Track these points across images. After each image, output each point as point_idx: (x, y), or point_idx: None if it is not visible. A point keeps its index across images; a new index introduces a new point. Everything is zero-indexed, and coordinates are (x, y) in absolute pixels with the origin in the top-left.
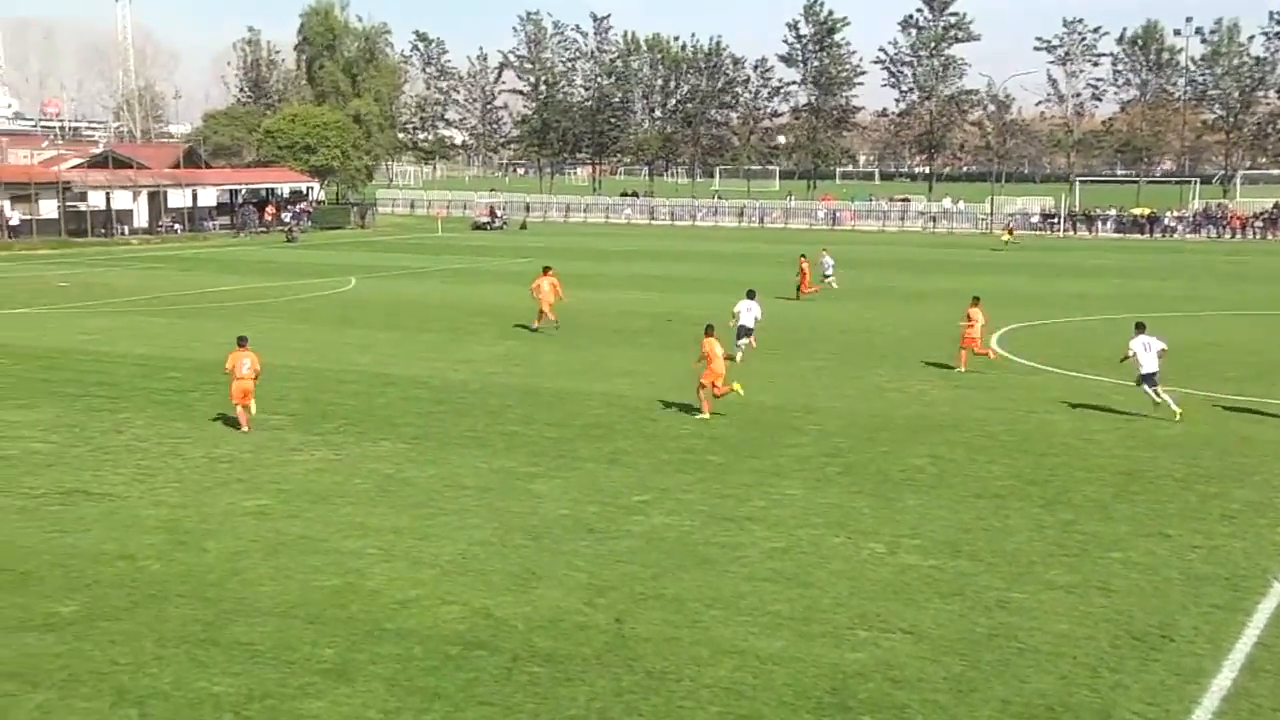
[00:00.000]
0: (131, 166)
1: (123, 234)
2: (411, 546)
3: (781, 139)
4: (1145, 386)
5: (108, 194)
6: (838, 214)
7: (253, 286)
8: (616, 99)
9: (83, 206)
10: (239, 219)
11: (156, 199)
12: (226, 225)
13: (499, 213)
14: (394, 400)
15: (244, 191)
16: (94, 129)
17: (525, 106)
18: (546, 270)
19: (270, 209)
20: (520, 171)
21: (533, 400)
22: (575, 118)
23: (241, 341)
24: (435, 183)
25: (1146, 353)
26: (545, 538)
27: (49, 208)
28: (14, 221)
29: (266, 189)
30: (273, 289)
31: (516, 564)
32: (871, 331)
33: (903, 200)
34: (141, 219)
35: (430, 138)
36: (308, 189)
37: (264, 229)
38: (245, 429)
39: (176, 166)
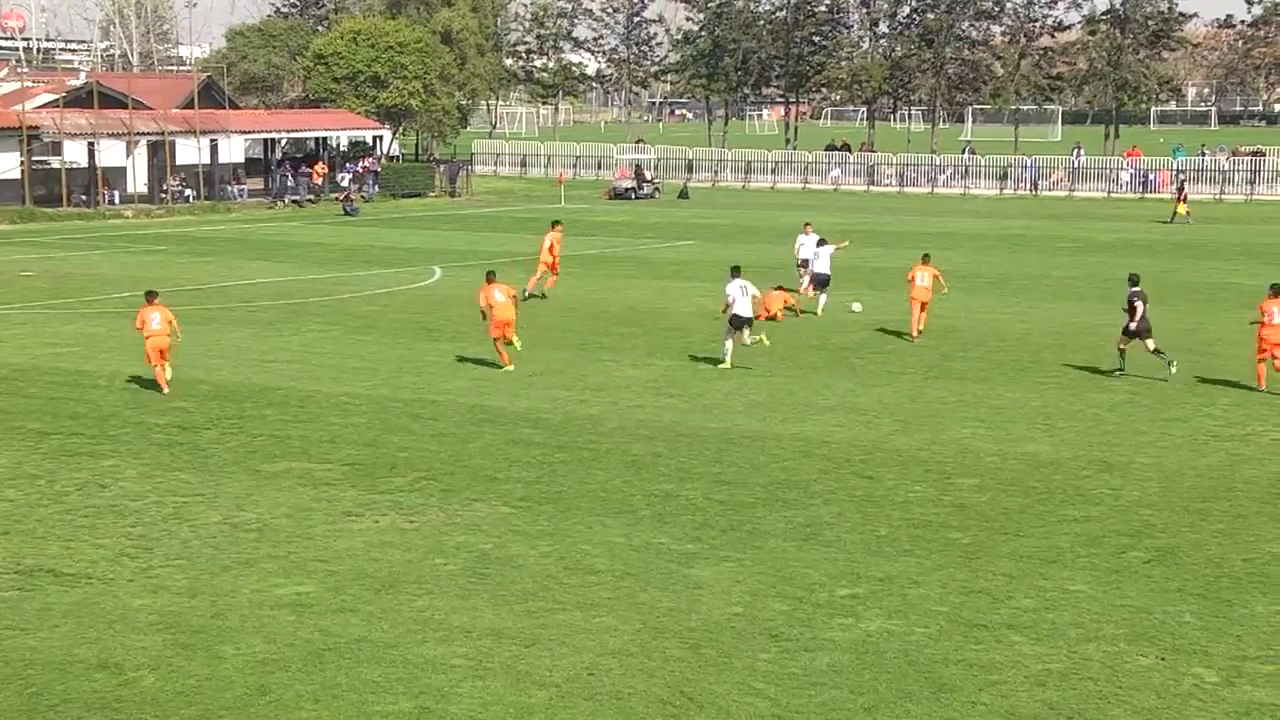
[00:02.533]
0: (125, 106)
1: (111, 202)
2: (515, 657)
3: (1067, 65)
4: None
5: (91, 145)
6: (1151, 177)
7: (295, 279)
8: (822, 7)
9: (55, 163)
10: (276, 182)
11: (159, 153)
12: (259, 191)
13: (648, 174)
14: (494, 445)
15: (284, 142)
16: (72, 52)
17: (689, 19)
18: (555, 225)
19: (319, 168)
20: (680, 115)
21: (694, 447)
22: (761, 36)
23: (150, 296)
24: (557, 131)
25: None
26: (708, 647)
27: (7, 164)
28: None
29: (316, 139)
30: (323, 284)
31: (666, 685)
32: (1208, 347)
33: (1253, 153)
34: (138, 181)
35: (551, 65)
36: (374, 139)
37: (311, 196)
38: (165, 390)
39: (189, 107)
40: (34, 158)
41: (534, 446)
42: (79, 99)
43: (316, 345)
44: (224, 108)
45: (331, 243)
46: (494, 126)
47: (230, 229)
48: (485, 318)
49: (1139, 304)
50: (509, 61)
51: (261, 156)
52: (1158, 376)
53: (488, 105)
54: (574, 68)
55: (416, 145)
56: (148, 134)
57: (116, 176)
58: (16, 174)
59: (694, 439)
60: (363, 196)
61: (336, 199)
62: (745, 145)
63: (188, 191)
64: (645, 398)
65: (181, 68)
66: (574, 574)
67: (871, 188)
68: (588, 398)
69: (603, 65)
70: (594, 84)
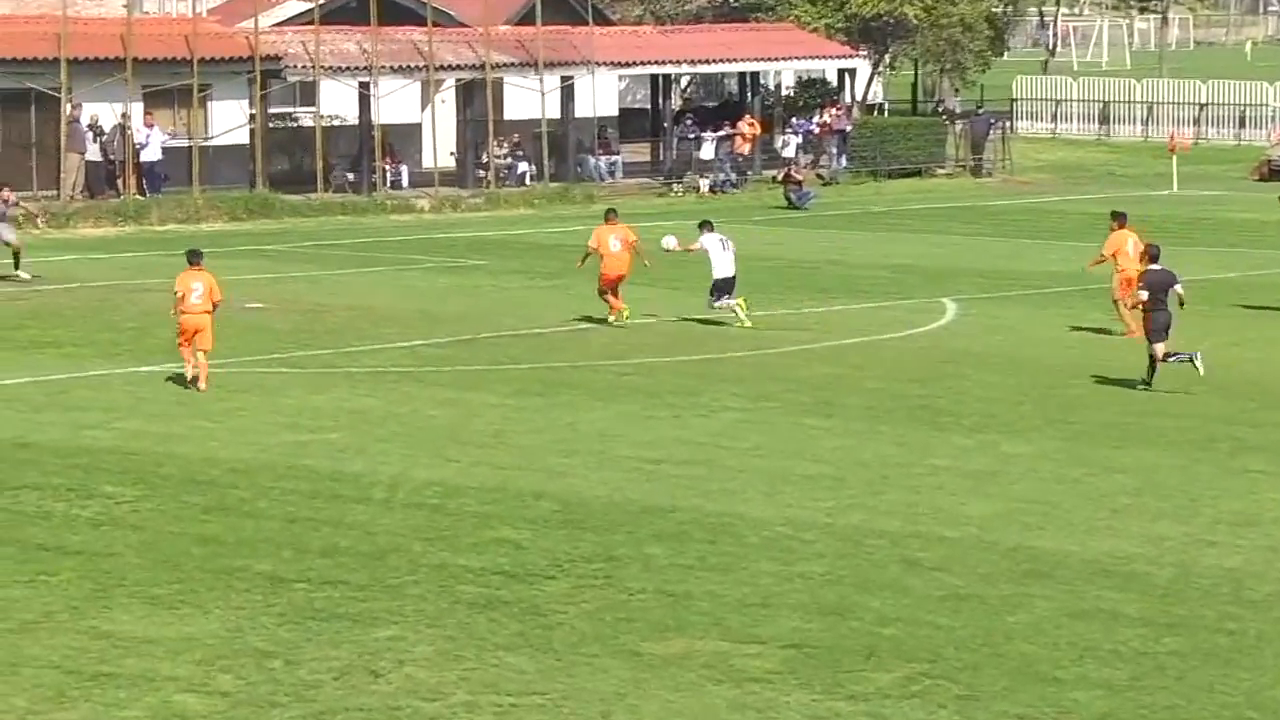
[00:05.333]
0: (422, 22)
1: (396, 184)
2: None
3: None
4: None
5: (365, 89)
6: None
7: (696, 317)
8: None
9: (305, 118)
10: (672, 150)
11: (475, 101)
12: (640, 165)
13: None
14: (1050, 619)
15: (684, 84)
16: None
17: None
18: (610, 217)
19: (749, 126)
20: None
21: None
22: None
23: (194, 258)
24: (1165, 58)
25: None
26: None
27: (228, 118)
28: (151, 153)
29: (741, 76)
30: (744, 331)
31: None
32: None
33: None
34: (440, 149)
35: None
36: (842, 77)
37: (738, 174)
38: (201, 386)
39: (526, 22)
40: (271, 110)
41: (1125, 624)
42: (343, 9)
43: (736, 433)
44: (585, 22)
45: (765, 255)
46: (1052, 52)
47: (587, 228)
48: (583, 263)
49: None
50: None
51: (649, 105)
52: None
53: (1040, 15)
54: None
55: (915, 87)
56: (459, 68)
57: (406, 141)
58: (244, 136)
59: None
60: (820, 176)
61: (776, 180)
62: None
63: (522, 167)
64: None
65: None
66: None
67: None
68: (1218, 537)
69: None
70: None
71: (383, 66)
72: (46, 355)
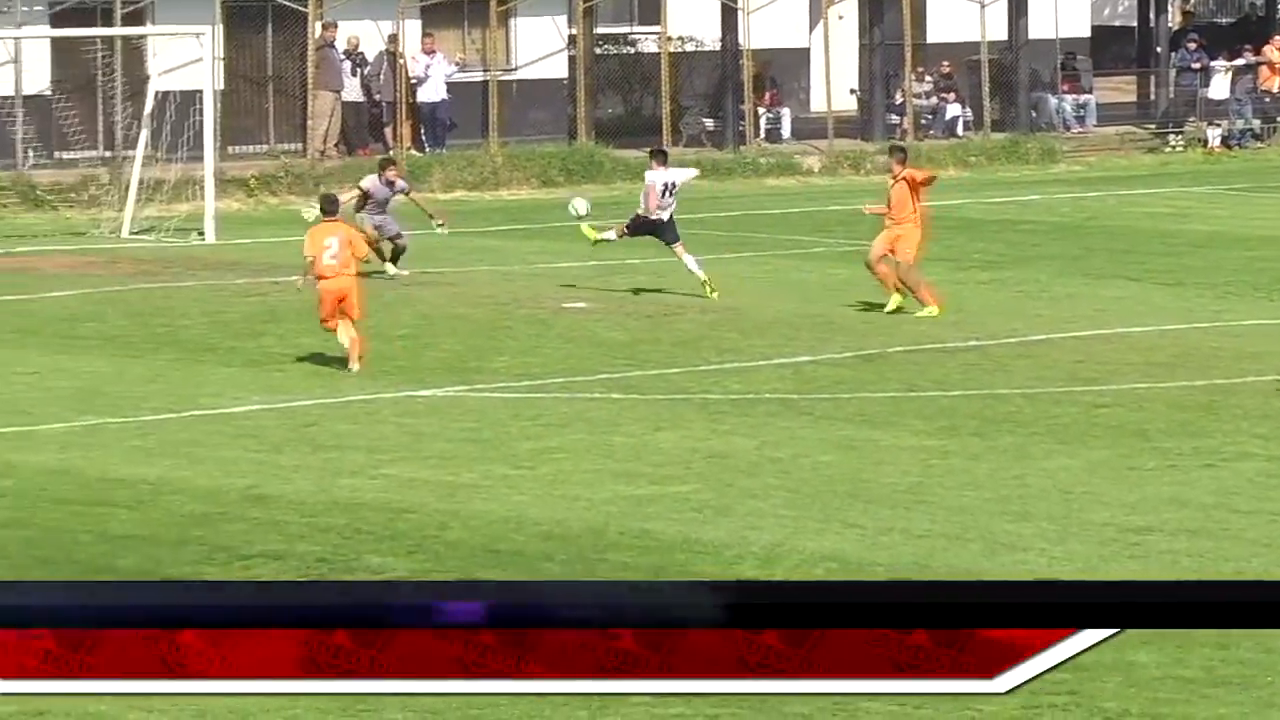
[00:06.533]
0: None
1: (776, 133)
2: None
3: None
4: None
5: None
6: None
7: None
8: None
9: (649, 41)
10: (1170, 82)
11: (887, 15)
12: (1125, 108)
13: None
14: None
15: None
16: None
17: None
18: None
19: None
20: None
21: None
22: None
23: (329, 206)
24: None
25: None
26: None
27: (537, 41)
28: (431, 91)
29: None
30: None
31: None
32: None
33: None
34: (835, 86)
35: None
36: None
37: (1264, 120)
38: (354, 368)
39: None
40: (598, 31)
41: None
42: None
43: (1258, 491)
44: None
45: None
46: None
47: (1047, 198)
48: None
49: None
50: None
51: (1133, 23)
52: None
53: None
54: None
55: None
56: None
57: (788, 74)
58: (560, 67)
59: None
60: None
61: None
62: None
63: (952, 111)
64: None
65: None
66: None
67: None
68: None
69: None
70: None
71: None
72: (289, 373)
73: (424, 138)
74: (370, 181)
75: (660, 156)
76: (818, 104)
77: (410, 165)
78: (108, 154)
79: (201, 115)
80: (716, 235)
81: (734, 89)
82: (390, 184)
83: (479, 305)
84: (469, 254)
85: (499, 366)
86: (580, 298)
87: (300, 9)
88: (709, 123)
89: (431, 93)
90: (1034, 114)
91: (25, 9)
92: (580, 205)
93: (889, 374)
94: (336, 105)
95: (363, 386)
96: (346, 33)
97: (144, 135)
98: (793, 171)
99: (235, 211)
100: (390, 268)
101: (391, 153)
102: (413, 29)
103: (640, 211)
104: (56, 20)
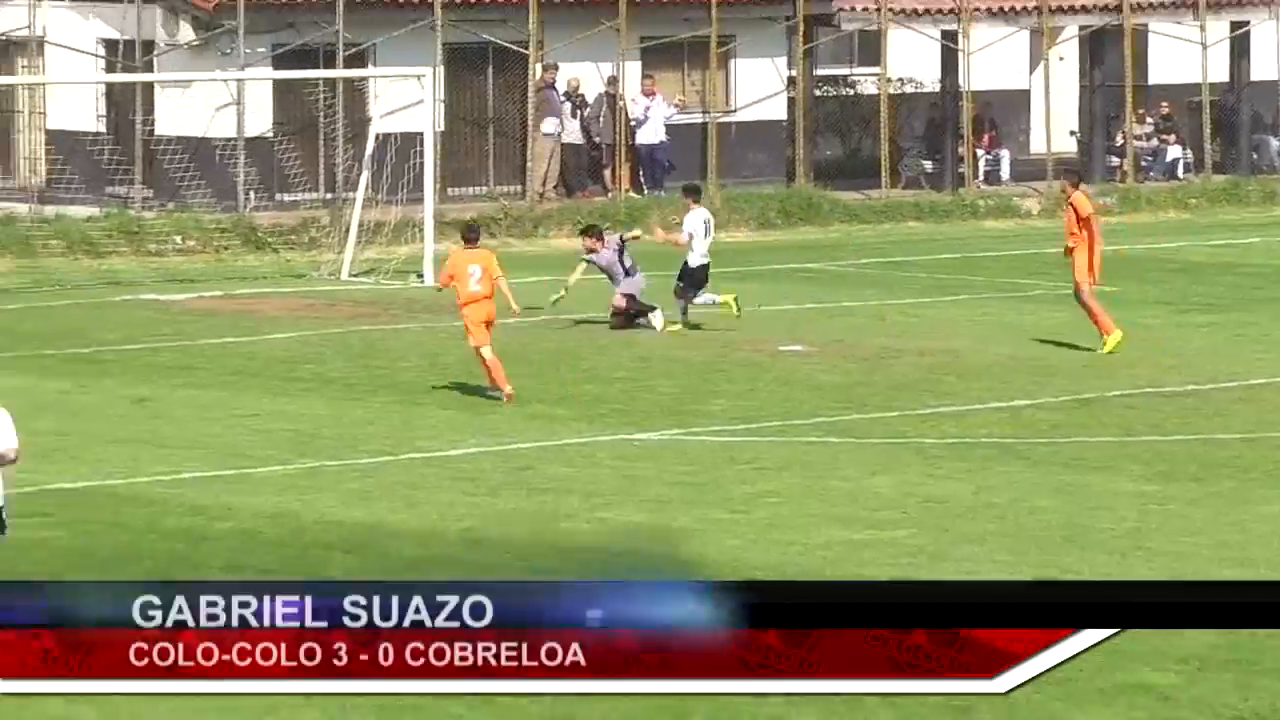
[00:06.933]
0: None
1: (995, 174)
2: None
3: None
4: None
5: (953, 40)
6: None
7: None
8: None
9: (868, 83)
10: None
11: (1108, 56)
12: None
13: None
14: None
15: None
16: None
17: None
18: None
19: None
20: None
21: None
22: None
23: (471, 234)
24: None
25: None
26: None
27: (757, 82)
28: (651, 132)
29: None
30: None
31: None
32: None
33: None
34: (1055, 128)
35: None
36: None
37: None
38: (506, 392)
39: None
40: (818, 72)
41: None
42: None
43: None
44: None
45: None
46: None
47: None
48: None
49: None
50: None
51: None
52: None
53: None
54: None
55: None
56: (1084, 10)
57: (1008, 115)
58: (779, 109)
59: None
60: None
61: None
62: None
63: (1173, 153)
64: None
65: None
66: None
67: None
68: None
69: None
70: None
71: (976, 9)
72: (506, 415)
73: (642, 179)
74: (602, 259)
75: (696, 192)
76: (1037, 145)
77: (628, 207)
78: (328, 196)
79: (421, 157)
80: (934, 278)
81: (953, 130)
82: (617, 247)
83: (696, 348)
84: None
85: (715, 410)
86: (797, 340)
87: (521, 51)
88: (928, 164)
89: (650, 135)
90: (1255, 156)
91: (248, 50)
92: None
93: (1106, 418)
94: (556, 147)
95: (579, 430)
96: (567, 74)
97: (364, 177)
98: (1011, 214)
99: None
100: (656, 320)
101: (611, 195)
102: (633, 71)
103: (698, 261)
104: (279, 62)
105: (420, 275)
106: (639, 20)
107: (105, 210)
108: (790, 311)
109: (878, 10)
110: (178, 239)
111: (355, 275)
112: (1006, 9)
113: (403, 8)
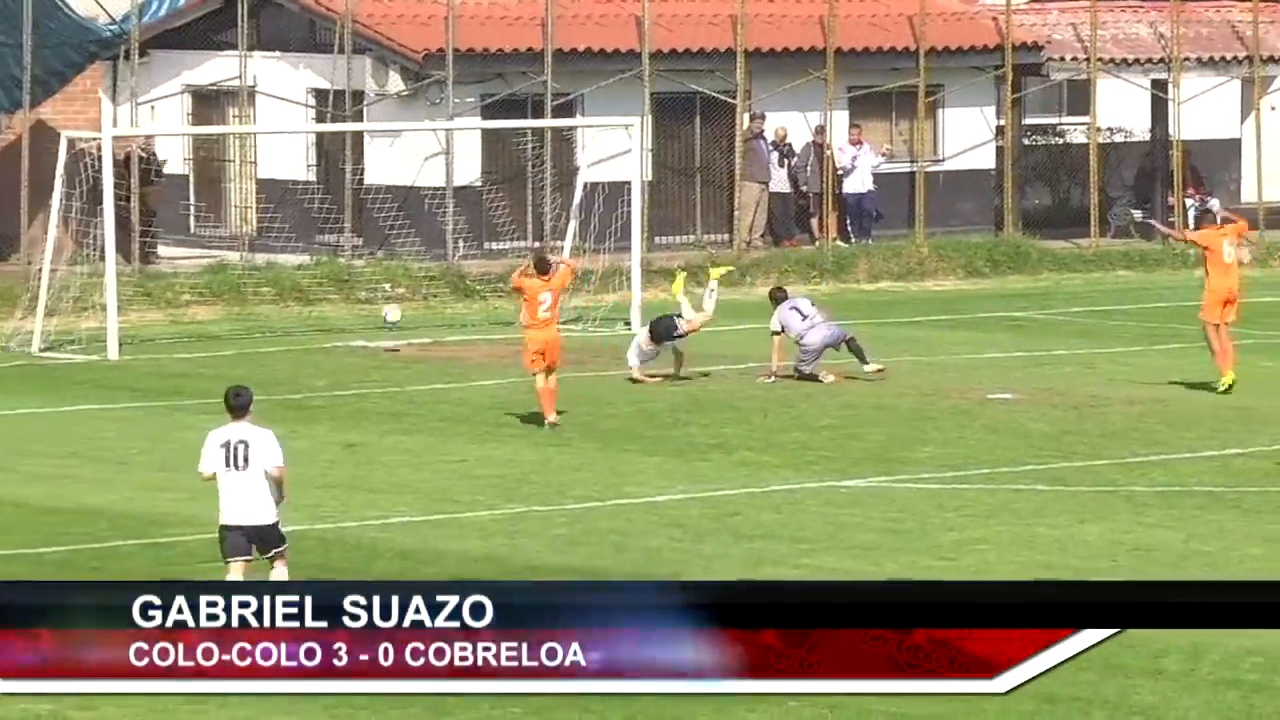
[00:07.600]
0: None
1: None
2: None
3: None
4: None
5: (1162, 89)
6: None
7: None
8: None
9: (1077, 132)
10: None
11: None
12: None
13: None
14: None
15: None
16: None
17: None
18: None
19: None
20: None
21: None
22: None
23: (543, 266)
24: None
25: None
26: None
27: (965, 131)
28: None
29: None
30: None
31: None
32: None
33: None
34: (1266, 177)
35: None
36: None
37: None
38: (551, 420)
39: None
40: (1026, 121)
41: None
42: None
43: None
44: None
45: None
46: None
47: None
48: None
49: None
50: None
51: None
52: None
53: None
54: None
55: None
56: None
57: (1218, 164)
58: (987, 157)
59: None
60: None
61: None
62: None
63: None
64: None
65: None
66: None
67: None
68: None
69: None
70: None
71: (1186, 58)
72: (712, 462)
73: (850, 228)
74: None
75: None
76: (1248, 195)
77: (836, 256)
78: (536, 244)
79: (629, 206)
80: (1144, 326)
81: (1163, 179)
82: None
83: (904, 395)
84: (895, 344)
85: (923, 457)
86: (1006, 388)
87: (729, 100)
88: (1137, 214)
89: (858, 184)
90: None
91: (457, 100)
92: (392, 313)
93: None
94: (763, 196)
95: (786, 477)
96: (774, 123)
97: (572, 226)
98: None
99: (661, 302)
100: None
101: (818, 244)
102: (840, 120)
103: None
104: (487, 112)
105: (628, 323)
106: (846, 70)
107: (315, 258)
108: (998, 359)
109: (1086, 60)
110: (386, 286)
111: (563, 323)
112: (1217, 59)
113: (611, 58)
